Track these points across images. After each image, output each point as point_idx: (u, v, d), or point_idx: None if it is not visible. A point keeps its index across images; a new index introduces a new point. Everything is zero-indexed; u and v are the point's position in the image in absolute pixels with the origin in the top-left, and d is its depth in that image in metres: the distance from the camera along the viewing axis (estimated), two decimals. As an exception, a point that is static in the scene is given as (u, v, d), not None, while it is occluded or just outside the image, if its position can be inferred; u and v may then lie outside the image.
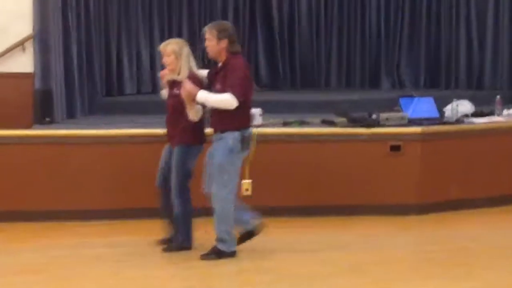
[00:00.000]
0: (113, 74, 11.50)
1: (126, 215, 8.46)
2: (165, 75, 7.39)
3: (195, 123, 7.17)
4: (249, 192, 8.34)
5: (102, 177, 8.59)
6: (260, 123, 8.68)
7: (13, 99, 9.67)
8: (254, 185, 8.39)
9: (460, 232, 8.27)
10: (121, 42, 11.58)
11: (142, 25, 11.80)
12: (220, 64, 7.13)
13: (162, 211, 7.51)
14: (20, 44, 9.65)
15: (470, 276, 6.74)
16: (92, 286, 6.59)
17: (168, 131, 7.42)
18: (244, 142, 7.06)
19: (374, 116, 8.90)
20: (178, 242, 7.37)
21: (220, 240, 7.17)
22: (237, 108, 6.91)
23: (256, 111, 8.69)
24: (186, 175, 7.28)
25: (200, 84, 7.15)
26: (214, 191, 7.08)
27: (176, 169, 7.25)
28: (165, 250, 7.39)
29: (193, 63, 7.33)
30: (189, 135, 7.22)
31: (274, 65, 12.59)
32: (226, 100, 6.91)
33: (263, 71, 12.58)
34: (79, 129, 8.82)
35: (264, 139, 8.34)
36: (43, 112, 9.36)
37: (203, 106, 7.10)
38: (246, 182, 8.29)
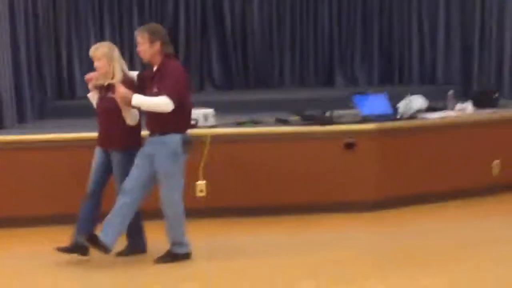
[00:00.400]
0: (63, 77, 11.36)
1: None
2: (94, 79, 7.27)
3: (133, 126, 7.08)
4: (203, 193, 8.28)
5: (54, 181, 8.44)
6: (213, 124, 8.60)
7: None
8: (209, 186, 8.32)
9: (418, 227, 8.27)
10: (71, 45, 11.44)
11: (93, 27, 11.68)
12: (155, 67, 7.00)
13: (82, 220, 7.22)
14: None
15: (429, 272, 6.73)
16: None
17: (101, 135, 7.29)
18: (186, 144, 6.96)
19: (328, 113, 8.87)
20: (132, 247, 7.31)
21: (176, 243, 7.09)
22: (176, 110, 6.80)
23: (208, 112, 8.63)
24: None
25: (133, 86, 7.05)
26: (163, 196, 6.99)
27: (119, 174, 7.14)
28: (119, 254, 7.28)
29: (124, 65, 7.24)
30: (128, 139, 7.11)
31: (227, 64, 12.51)
32: (162, 103, 6.79)
33: (216, 71, 12.50)
34: (29, 134, 8.66)
35: (218, 140, 8.30)
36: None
37: (139, 109, 6.99)
38: (201, 183, 8.22)
